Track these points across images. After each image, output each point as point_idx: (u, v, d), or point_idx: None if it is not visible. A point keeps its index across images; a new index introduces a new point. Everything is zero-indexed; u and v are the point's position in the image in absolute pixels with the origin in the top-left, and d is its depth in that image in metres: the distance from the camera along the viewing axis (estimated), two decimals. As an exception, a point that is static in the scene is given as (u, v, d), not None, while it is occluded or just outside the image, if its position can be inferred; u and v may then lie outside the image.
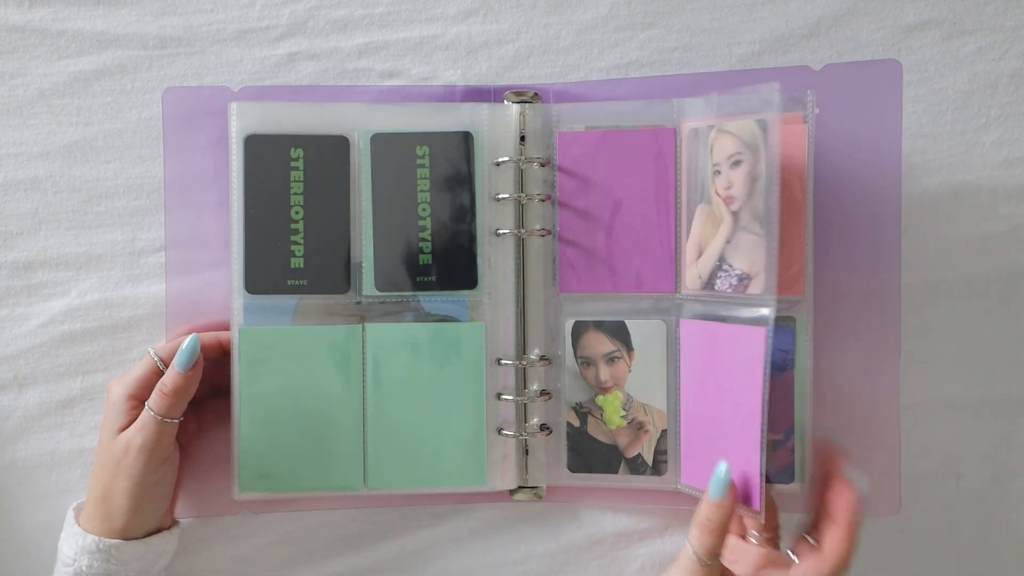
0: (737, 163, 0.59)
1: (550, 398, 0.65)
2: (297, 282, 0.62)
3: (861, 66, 0.65)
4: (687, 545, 0.56)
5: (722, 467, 0.56)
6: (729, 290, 0.59)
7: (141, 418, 0.59)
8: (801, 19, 0.66)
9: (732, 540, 0.59)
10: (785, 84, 0.63)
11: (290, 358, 0.62)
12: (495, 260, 0.64)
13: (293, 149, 0.62)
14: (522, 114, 0.64)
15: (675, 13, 0.66)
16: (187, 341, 0.60)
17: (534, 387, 0.65)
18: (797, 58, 0.66)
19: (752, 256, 0.58)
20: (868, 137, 0.64)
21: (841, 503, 0.56)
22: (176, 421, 0.60)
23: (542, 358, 0.64)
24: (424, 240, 0.63)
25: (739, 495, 0.57)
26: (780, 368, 0.61)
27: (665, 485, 0.64)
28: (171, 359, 0.61)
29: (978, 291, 0.65)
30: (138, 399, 0.60)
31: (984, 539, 0.66)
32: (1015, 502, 0.66)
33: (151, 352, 0.61)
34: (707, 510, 0.56)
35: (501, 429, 0.64)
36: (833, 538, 0.56)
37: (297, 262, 0.62)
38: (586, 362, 0.64)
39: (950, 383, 0.66)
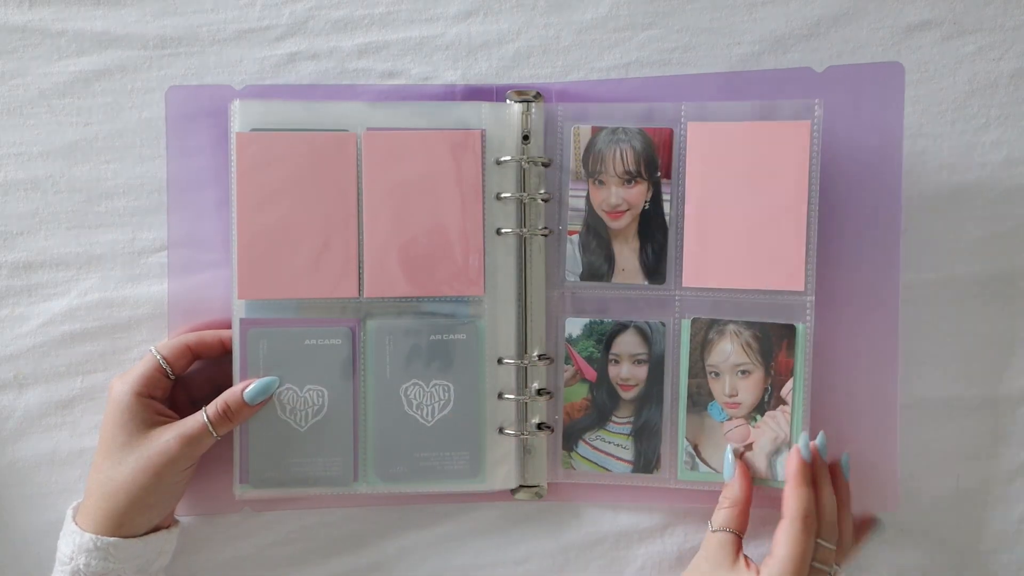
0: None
1: (551, 397, 0.65)
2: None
3: (864, 68, 0.65)
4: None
5: (728, 449, 0.62)
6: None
7: (190, 425, 0.59)
8: (801, 19, 0.66)
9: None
10: (788, 85, 0.64)
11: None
12: (497, 259, 0.64)
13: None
14: (525, 113, 0.64)
15: (675, 13, 0.66)
16: (264, 381, 0.61)
17: (535, 386, 0.65)
18: (797, 58, 0.66)
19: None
20: (869, 138, 0.64)
21: (788, 461, 0.60)
22: (220, 436, 0.60)
23: (543, 357, 0.64)
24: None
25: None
26: None
27: (662, 483, 0.64)
28: (173, 358, 0.61)
29: (978, 291, 0.66)
30: (149, 396, 0.60)
31: (983, 539, 0.66)
32: (1014, 502, 0.66)
33: (153, 351, 0.61)
34: (723, 489, 0.62)
35: (502, 428, 0.64)
36: (784, 494, 0.59)
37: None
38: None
39: (950, 383, 0.66)
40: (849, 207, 0.64)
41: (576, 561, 0.67)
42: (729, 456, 0.61)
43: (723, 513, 0.60)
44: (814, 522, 0.58)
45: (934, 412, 0.66)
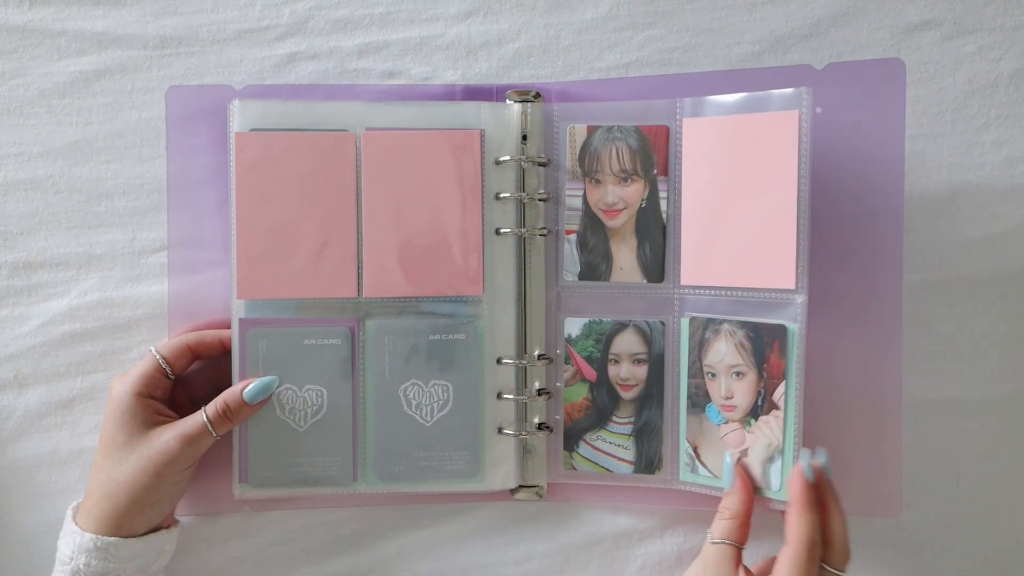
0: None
1: (551, 397, 0.65)
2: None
3: (864, 65, 0.65)
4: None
5: (727, 456, 0.60)
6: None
7: (189, 425, 0.59)
8: (801, 19, 0.66)
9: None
10: (787, 83, 0.64)
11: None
12: (496, 259, 0.64)
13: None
14: (524, 113, 0.64)
15: (675, 13, 0.66)
16: (264, 380, 0.62)
17: (535, 386, 0.65)
18: (797, 58, 0.66)
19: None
20: (870, 136, 0.64)
21: (789, 483, 0.57)
22: (220, 436, 0.60)
23: (542, 357, 0.64)
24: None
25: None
26: None
27: (664, 484, 0.64)
28: (173, 358, 0.61)
29: (978, 291, 0.65)
30: (149, 396, 0.61)
31: (983, 539, 0.66)
32: (1014, 502, 0.66)
33: (153, 351, 0.61)
34: (723, 499, 0.60)
35: (502, 428, 0.64)
36: (788, 520, 0.56)
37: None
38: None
39: (950, 383, 0.66)
40: (850, 206, 0.64)
41: (576, 561, 0.67)
42: (728, 462, 0.60)
43: (723, 524, 0.58)
44: (819, 550, 0.55)
45: (934, 412, 0.66)
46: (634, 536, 0.67)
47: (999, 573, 0.66)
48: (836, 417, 0.64)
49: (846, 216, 0.64)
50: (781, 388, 0.59)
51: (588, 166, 0.64)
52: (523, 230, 0.64)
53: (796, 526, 0.55)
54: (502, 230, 0.64)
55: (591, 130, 0.64)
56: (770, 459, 0.60)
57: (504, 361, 0.64)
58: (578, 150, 0.64)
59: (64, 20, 0.66)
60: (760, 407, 0.60)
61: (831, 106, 0.63)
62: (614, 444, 0.64)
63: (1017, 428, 0.66)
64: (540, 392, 0.65)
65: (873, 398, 0.64)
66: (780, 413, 0.59)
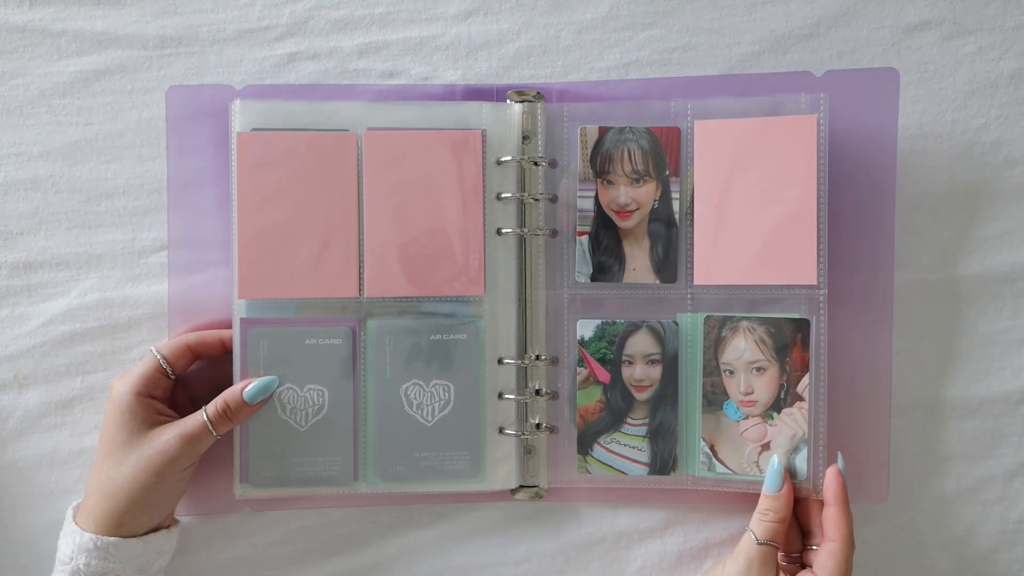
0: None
1: (551, 397, 0.65)
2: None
3: (860, 73, 0.65)
4: (748, 531, 0.60)
5: (774, 460, 0.61)
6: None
7: (190, 424, 0.59)
8: (801, 19, 0.66)
9: None
10: (787, 89, 0.64)
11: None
12: (497, 259, 0.64)
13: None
14: (525, 113, 0.64)
15: (675, 13, 0.67)
16: (264, 380, 0.62)
17: (535, 386, 0.65)
18: (797, 58, 0.66)
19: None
20: (866, 141, 0.65)
21: (827, 484, 0.60)
22: (220, 436, 0.60)
23: (542, 357, 0.64)
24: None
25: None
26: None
27: (679, 484, 0.64)
28: (174, 358, 0.61)
29: (978, 291, 0.66)
30: (149, 395, 0.61)
31: (981, 538, 0.66)
32: (1012, 501, 0.66)
33: (153, 351, 0.61)
34: (764, 502, 0.60)
35: (502, 428, 0.64)
36: (829, 518, 0.59)
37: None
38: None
39: (949, 383, 0.66)
40: (846, 209, 0.65)
41: (576, 561, 0.67)
42: (775, 466, 0.61)
43: (770, 527, 0.60)
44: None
45: (933, 412, 0.66)
46: (634, 536, 0.67)
47: (999, 573, 0.66)
48: (832, 409, 0.64)
49: (842, 217, 0.64)
50: (805, 380, 0.61)
51: (600, 167, 0.64)
52: (524, 230, 0.64)
53: (840, 523, 0.59)
54: (503, 230, 0.64)
55: (602, 131, 0.64)
56: (794, 449, 0.61)
57: (505, 361, 0.64)
58: (589, 151, 0.64)
59: (64, 20, 0.66)
60: (783, 400, 0.61)
61: (828, 110, 0.63)
62: (628, 446, 0.64)
63: (1014, 428, 0.66)
64: (539, 392, 0.64)
65: (864, 391, 0.65)
66: (804, 404, 0.61)
